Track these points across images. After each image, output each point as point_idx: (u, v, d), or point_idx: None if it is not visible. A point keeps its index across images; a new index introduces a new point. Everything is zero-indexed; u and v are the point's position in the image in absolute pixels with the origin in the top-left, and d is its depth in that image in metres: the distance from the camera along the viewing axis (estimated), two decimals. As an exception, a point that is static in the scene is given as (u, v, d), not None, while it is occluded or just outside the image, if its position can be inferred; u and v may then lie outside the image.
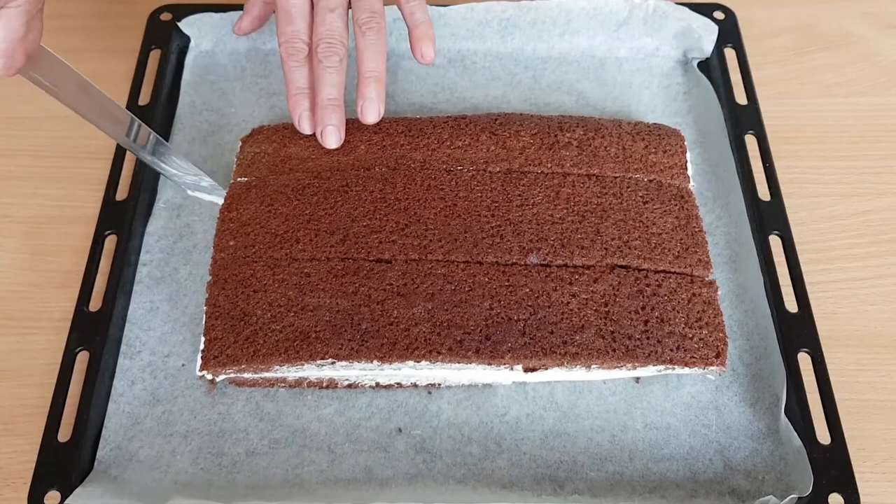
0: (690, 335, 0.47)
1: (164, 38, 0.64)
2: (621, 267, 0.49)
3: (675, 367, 0.46)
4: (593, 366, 0.46)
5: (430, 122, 0.56)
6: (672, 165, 0.54)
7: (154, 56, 0.64)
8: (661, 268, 0.49)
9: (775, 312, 0.51)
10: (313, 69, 0.53)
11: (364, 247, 0.49)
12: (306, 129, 0.54)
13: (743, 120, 0.60)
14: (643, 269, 0.49)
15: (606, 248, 0.49)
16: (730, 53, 0.64)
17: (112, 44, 0.66)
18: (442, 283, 0.48)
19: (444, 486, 0.46)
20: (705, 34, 0.63)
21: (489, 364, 0.46)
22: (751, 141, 0.59)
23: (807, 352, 0.50)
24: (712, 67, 0.63)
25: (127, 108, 0.59)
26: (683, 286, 0.48)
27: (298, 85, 0.53)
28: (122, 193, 0.56)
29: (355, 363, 0.46)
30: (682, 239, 0.50)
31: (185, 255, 0.55)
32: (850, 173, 0.60)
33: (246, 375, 0.48)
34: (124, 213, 0.55)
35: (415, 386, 0.50)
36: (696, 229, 0.51)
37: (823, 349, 0.50)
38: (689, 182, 0.54)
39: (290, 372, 0.48)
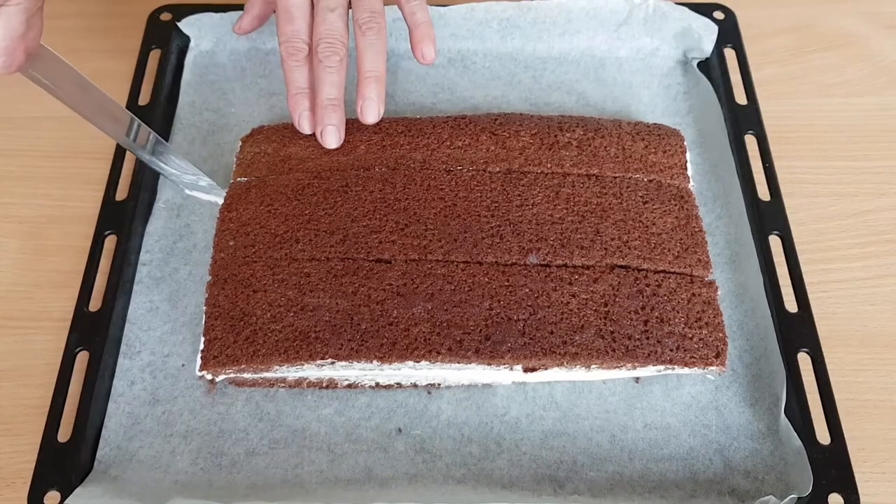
0: (690, 335, 0.47)
1: (164, 38, 0.64)
2: (621, 267, 0.49)
3: (675, 367, 0.46)
4: (593, 366, 0.46)
5: (429, 122, 0.56)
6: (672, 165, 0.54)
7: (154, 56, 0.64)
8: (661, 268, 0.49)
9: (775, 312, 0.51)
10: (313, 69, 0.52)
11: (364, 247, 0.49)
12: (306, 128, 0.54)
13: (743, 120, 0.60)
14: (643, 269, 0.49)
15: (606, 248, 0.49)
16: (730, 53, 0.64)
17: (112, 44, 0.66)
18: (442, 283, 0.48)
19: (444, 486, 0.46)
20: (705, 34, 0.63)
21: (489, 364, 0.46)
22: (750, 141, 0.59)
23: (807, 352, 0.50)
24: (712, 67, 0.63)
25: (127, 107, 0.58)
26: (683, 286, 0.48)
27: (298, 85, 0.53)
28: (121, 193, 0.56)
29: (355, 363, 0.46)
30: (681, 239, 0.50)
31: (185, 255, 0.55)
32: (850, 173, 0.60)
33: (246, 375, 0.48)
34: (124, 213, 0.55)
35: (415, 386, 0.50)
36: (696, 229, 0.51)
37: (823, 349, 0.50)
38: (688, 182, 0.54)
39: (290, 372, 0.48)
